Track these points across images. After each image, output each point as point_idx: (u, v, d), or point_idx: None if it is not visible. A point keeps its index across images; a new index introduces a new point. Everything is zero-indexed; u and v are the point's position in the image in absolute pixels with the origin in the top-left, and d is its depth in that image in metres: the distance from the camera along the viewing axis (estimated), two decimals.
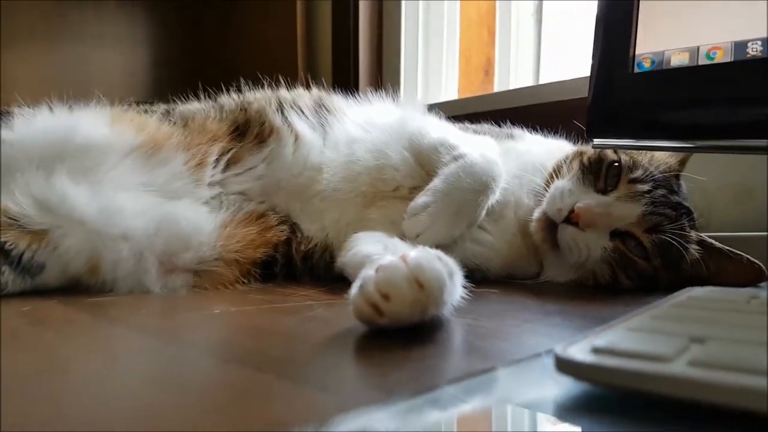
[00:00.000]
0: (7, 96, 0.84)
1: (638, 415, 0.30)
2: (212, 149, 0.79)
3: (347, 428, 0.28)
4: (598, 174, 0.77)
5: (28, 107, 0.78)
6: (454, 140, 0.81)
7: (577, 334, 0.47)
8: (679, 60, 0.62)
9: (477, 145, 0.82)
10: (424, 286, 0.46)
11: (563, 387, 0.33)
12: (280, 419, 0.29)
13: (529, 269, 0.81)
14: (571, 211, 0.73)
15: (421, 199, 0.75)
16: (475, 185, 0.75)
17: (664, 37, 0.63)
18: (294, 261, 0.80)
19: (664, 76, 0.63)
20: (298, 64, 1.64)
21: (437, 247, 0.54)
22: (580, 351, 0.32)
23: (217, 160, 0.79)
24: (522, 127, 0.96)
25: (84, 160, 0.71)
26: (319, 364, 0.41)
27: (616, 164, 0.77)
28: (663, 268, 0.74)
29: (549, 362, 0.38)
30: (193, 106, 0.87)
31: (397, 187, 0.82)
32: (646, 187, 0.74)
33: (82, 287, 0.70)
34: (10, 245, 0.65)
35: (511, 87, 1.45)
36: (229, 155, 0.80)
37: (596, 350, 0.31)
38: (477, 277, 0.76)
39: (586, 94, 1.12)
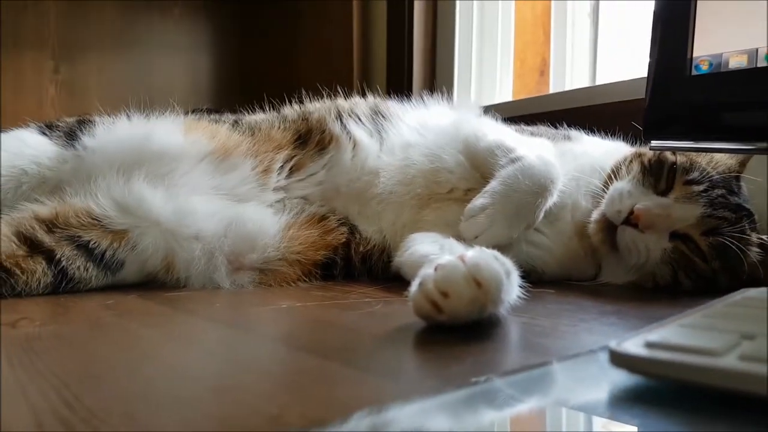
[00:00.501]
0: (85, 103, 0.90)
1: (686, 408, 0.31)
2: (277, 156, 0.83)
3: (410, 413, 0.31)
4: (659, 176, 0.76)
5: (107, 115, 0.84)
6: (510, 142, 0.82)
7: (632, 332, 0.48)
8: (737, 62, 0.62)
9: (534, 147, 0.83)
10: (482, 285, 0.47)
11: (616, 382, 0.35)
12: (348, 402, 0.32)
13: (587, 271, 0.82)
14: (631, 212, 0.73)
15: (479, 201, 0.76)
16: (533, 187, 0.76)
17: (721, 39, 0.63)
18: (353, 262, 0.83)
19: (722, 79, 0.63)
20: (353, 64, 1.68)
21: (494, 248, 0.56)
22: (633, 346, 0.33)
23: (282, 167, 0.84)
24: (578, 129, 0.97)
25: (160, 166, 0.77)
26: (381, 354, 0.44)
27: (675, 166, 0.77)
28: (722, 271, 0.73)
29: (603, 358, 0.39)
30: (259, 117, 0.92)
31: (451, 189, 0.84)
32: (701, 187, 0.74)
33: (156, 283, 0.75)
34: (93, 243, 0.71)
35: (567, 88, 1.44)
36: (292, 162, 0.84)
37: (649, 345, 0.33)
38: (533, 278, 0.77)
39: (643, 95, 1.12)
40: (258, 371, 0.38)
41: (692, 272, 0.74)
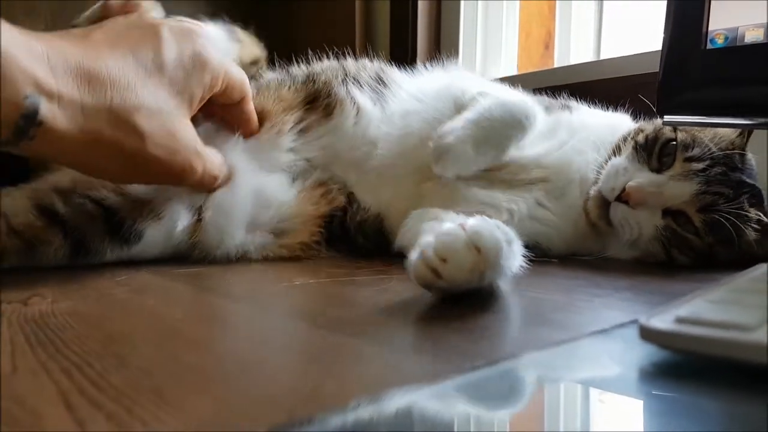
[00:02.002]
0: None
1: (713, 382, 0.31)
2: (288, 118, 0.82)
3: (441, 390, 0.31)
4: (652, 152, 0.77)
5: None
6: (493, 90, 0.83)
7: (649, 308, 0.48)
8: (753, 36, 0.61)
9: (517, 94, 0.84)
10: (481, 251, 0.47)
11: (642, 358, 0.35)
12: (380, 379, 0.32)
13: (593, 247, 0.82)
14: (623, 189, 0.74)
15: (449, 125, 0.76)
16: (506, 117, 0.77)
17: (737, 13, 0.62)
18: (350, 229, 0.83)
19: (738, 53, 0.62)
20: (355, 35, 1.66)
21: (483, 213, 0.56)
22: (663, 321, 0.33)
23: (291, 129, 0.82)
24: (583, 103, 0.96)
25: None
26: (404, 331, 0.44)
27: (673, 142, 0.76)
28: (719, 245, 0.73)
29: (628, 333, 0.39)
30: (268, 75, 0.90)
31: None
32: (701, 165, 0.73)
33: (168, 259, 0.74)
34: (112, 211, 0.71)
35: (572, 62, 1.43)
36: (302, 125, 0.83)
37: (680, 320, 0.33)
38: (537, 254, 0.78)
39: (648, 70, 1.11)
40: (284, 348, 0.38)
41: (686, 248, 0.74)
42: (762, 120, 0.64)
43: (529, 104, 0.81)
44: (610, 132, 0.85)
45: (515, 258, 0.53)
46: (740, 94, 0.63)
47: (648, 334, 0.33)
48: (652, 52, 1.17)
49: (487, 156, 0.77)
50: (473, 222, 0.49)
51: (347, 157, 0.84)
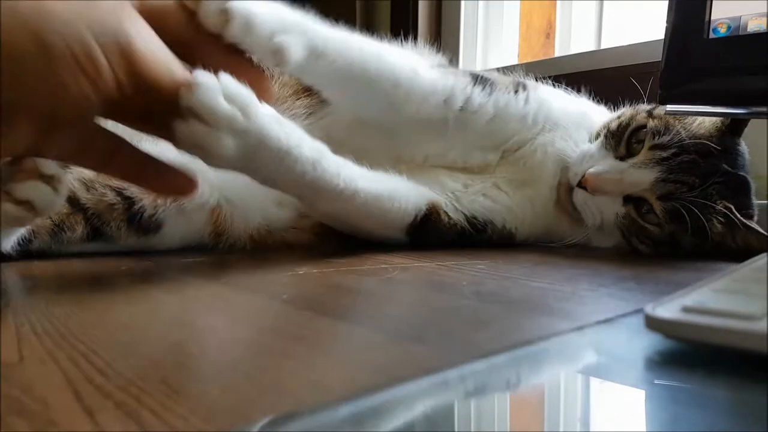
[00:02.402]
0: None
1: (717, 372, 0.31)
2: (300, 103, 0.82)
3: (450, 379, 0.31)
4: (621, 139, 0.77)
5: None
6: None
7: (653, 297, 0.48)
8: (756, 25, 0.61)
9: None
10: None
11: (647, 347, 0.35)
12: (388, 368, 0.32)
13: (567, 233, 0.82)
14: (584, 175, 0.76)
15: None
16: None
17: (740, 2, 0.62)
18: None
19: (741, 42, 0.62)
20: (356, 14, 1.65)
21: None
22: (669, 310, 0.33)
23: (303, 113, 0.82)
24: (583, 93, 0.94)
25: None
26: (408, 320, 0.44)
27: (644, 129, 0.76)
28: (681, 234, 0.73)
29: (633, 322, 0.39)
30: None
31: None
32: (666, 153, 0.73)
33: (173, 250, 0.75)
34: (134, 200, 0.71)
35: (572, 52, 1.43)
36: (309, 109, 0.83)
37: (686, 309, 0.33)
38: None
39: (649, 60, 1.11)
40: (289, 336, 0.38)
41: (644, 237, 0.75)
42: (764, 109, 0.64)
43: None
44: (578, 120, 0.85)
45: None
46: (743, 83, 0.63)
47: (654, 324, 0.33)
48: (654, 41, 1.17)
49: None
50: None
51: (336, 139, 0.84)
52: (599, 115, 0.87)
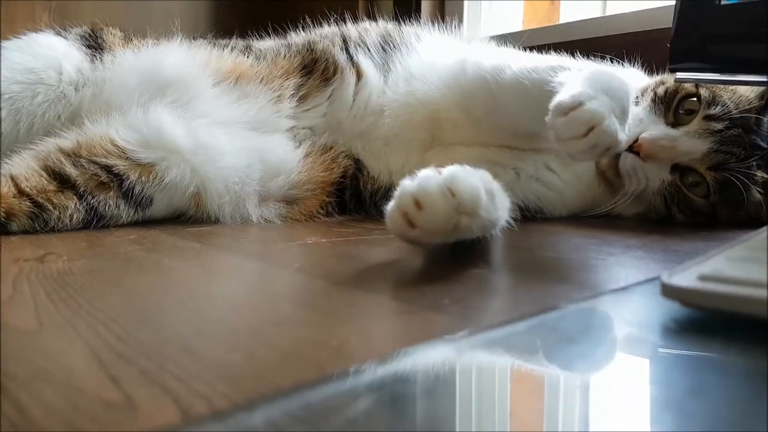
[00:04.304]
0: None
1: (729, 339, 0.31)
2: (287, 83, 0.81)
3: (465, 346, 0.31)
4: (670, 105, 0.76)
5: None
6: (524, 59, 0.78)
7: (663, 266, 0.49)
8: None
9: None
10: (456, 195, 0.45)
11: (662, 314, 0.35)
12: (400, 334, 0.32)
13: (595, 205, 0.82)
14: (636, 140, 0.73)
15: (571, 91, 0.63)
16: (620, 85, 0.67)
17: None
18: (363, 197, 0.82)
19: (752, 8, 0.61)
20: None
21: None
22: (685, 279, 0.34)
23: (292, 95, 0.81)
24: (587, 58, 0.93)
25: (175, 94, 0.75)
26: (420, 288, 0.44)
27: (693, 98, 0.75)
28: (722, 206, 0.73)
29: (648, 290, 0.40)
30: (267, 43, 0.89)
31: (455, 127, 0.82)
32: (720, 125, 0.73)
33: (177, 218, 0.74)
34: (122, 176, 0.70)
35: (578, 18, 1.41)
36: (301, 91, 0.82)
37: (703, 277, 0.33)
38: (536, 215, 0.78)
39: (656, 26, 1.09)
40: (305, 305, 0.38)
41: (685, 207, 0.74)
42: None
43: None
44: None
45: (498, 211, 0.50)
46: (755, 50, 0.62)
47: (670, 292, 0.33)
48: (662, 7, 1.15)
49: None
50: (451, 167, 0.47)
51: (351, 126, 0.83)
52: (635, 80, 0.85)
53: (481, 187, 0.47)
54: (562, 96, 0.59)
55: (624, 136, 0.62)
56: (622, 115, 0.62)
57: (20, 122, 0.75)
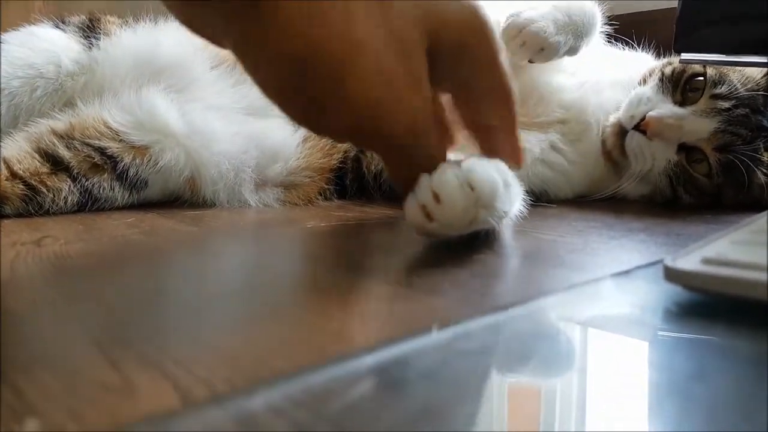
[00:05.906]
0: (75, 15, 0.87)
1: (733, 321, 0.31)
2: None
3: (471, 330, 0.31)
4: (678, 84, 0.76)
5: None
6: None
7: (665, 249, 0.49)
8: None
9: None
10: (475, 189, 0.44)
11: (665, 298, 0.35)
12: (401, 320, 0.32)
13: (601, 188, 0.82)
14: (643, 118, 0.74)
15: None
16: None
17: None
18: (366, 178, 0.82)
19: None
20: None
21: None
22: (688, 262, 0.33)
23: None
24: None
25: (171, 77, 0.74)
26: (421, 272, 0.43)
27: (700, 78, 0.75)
28: (727, 187, 0.73)
29: (649, 274, 0.39)
30: None
31: None
32: (727, 104, 0.72)
33: (174, 201, 0.74)
34: (116, 157, 0.70)
35: None
36: None
37: (706, 261, 0.33)
38: (542, 199, 0.78)
39: (660, 6, 1.08)
40: (305, 289, 0.38)
41: (692, 187, 0.74)
42: None
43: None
44: (630, 70, 0.84)
45: (513, 202, 0.50)
46: (760, 31, 0.61)
47: (674, 275, 0.33)
48: None
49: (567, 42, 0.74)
50: (469, 161, 0.46)
51: None
52: (640, 62, 0.85)
53: (499, 180, 0.47)
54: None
55: (566, 46, 0.74)
56: (574, 29, 0.74)
57: (19, 117, 0.75)
